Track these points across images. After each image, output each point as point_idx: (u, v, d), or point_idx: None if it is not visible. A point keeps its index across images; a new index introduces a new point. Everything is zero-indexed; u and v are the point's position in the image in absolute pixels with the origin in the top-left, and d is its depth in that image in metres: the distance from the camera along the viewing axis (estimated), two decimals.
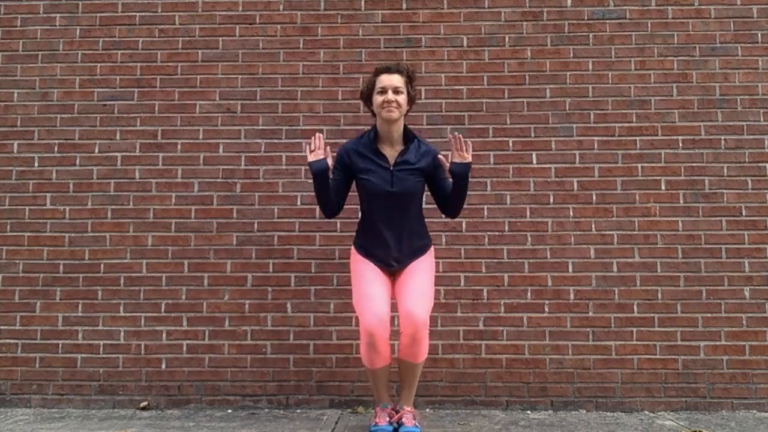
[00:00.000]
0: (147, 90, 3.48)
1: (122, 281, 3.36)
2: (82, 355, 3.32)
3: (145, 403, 3.26)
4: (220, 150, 3.44)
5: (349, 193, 2.84)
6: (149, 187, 3.42)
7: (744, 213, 3.36)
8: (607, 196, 3.38)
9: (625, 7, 3.49)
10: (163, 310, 3.34)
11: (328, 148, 2.73)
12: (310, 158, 2.70)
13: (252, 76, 3.48)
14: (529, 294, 3.33)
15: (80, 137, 3.46)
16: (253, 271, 3.36)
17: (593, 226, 3.37)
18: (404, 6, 3.52)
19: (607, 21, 3.48)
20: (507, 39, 3.49)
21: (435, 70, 3.47)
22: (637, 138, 3.41)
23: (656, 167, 3.39)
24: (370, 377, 2.74)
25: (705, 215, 3.36)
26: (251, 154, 3.44)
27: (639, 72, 3.45)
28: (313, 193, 2.93)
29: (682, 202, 3.37)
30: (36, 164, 3.44)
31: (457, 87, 3.45)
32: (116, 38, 3.51)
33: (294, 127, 3.45)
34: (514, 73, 3.47)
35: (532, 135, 3.43)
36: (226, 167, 3.43)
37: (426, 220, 2.85)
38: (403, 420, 2.67)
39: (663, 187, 3.38)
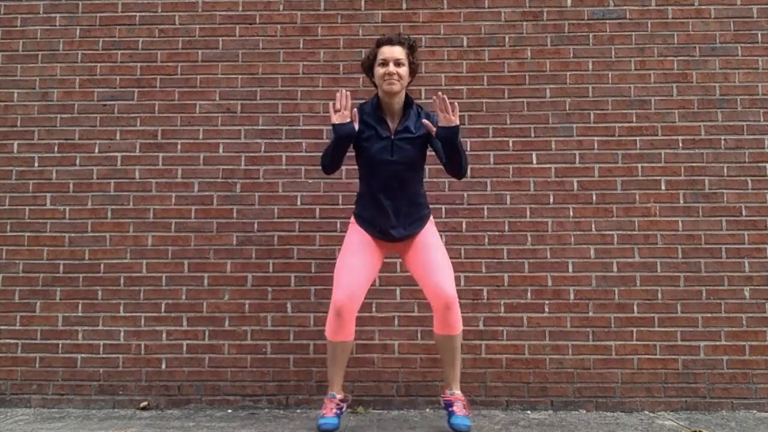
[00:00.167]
0: (147, 90, 3.48)
1: (122, 281, 3.36)
2: (82, 355, 3.32)
3: (145, 403, 3.26)
4: (220, 150, 3.44)
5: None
6: (149, 187, 3.42)
7: (744, 213, 3.36)
8: (607, 196, 3.38)
9: (625, 7, 3.49)
10: (163, 310, 3.34)
11: (354, 110, 2.66)
12: (335, 119, 2.62)
13: (252, 76, 3.48)
14: (529, 294, 3.33)
15: (80, 137, 3.46)
16: (253, 271, 3.36)
17: (593, 226, 3.37)
18: (404, 6, 3.52)
19: (607, 21, 3.48)
20: (507, 39, 3.49)
21: (435, 70, 3.47)
22: (637, 138, 3.41)
23: (656, 167, 3.39)
24: (329, 353, 2.74)
25: (705, 215, 3.36)
26: (251, 154, 3.44)
27: (639, 72, 3.45)
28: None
29: (682, 202, 3.37)
30: (36, 164, 3.44)
31: (457, 87, 3.45)
32: (116, 38, 3.51)
33: (294, 127, 3.45)
34: (514, 73, 3.47)
35: (532, 135, 3.43)
36: (226, 167, 3.43)
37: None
38: (453, 408, 2.67)
39: (663, 187, 3.38)
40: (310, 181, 3.41)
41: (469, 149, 3.41)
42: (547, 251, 3.36)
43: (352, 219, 2.83)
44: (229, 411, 3.23)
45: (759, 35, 3.45)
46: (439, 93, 2.58)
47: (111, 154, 3.45)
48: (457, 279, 3.32)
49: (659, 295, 3.31)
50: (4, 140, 3.46)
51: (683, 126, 3.41)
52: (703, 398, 3.25)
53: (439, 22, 3.50)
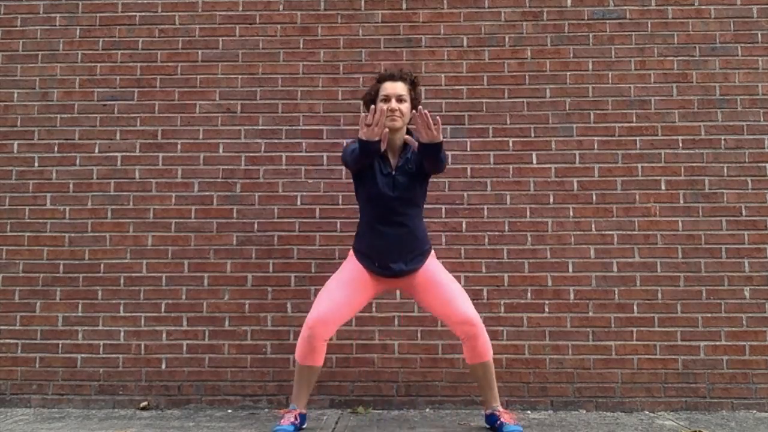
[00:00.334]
0: (147, 90, 3.48)
1: (122, 281, 3.36)
2: (82, 355, 3.32)
3: (145, 403, 3.26)
4: (220, 150, 3.44)
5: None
6: (149, 187, 3.42)
7: (744, 213, 3.36)
8: (607, 196, 3.38)
9: (625, 7, 3.49)
10: (163, 310, 3.34)
11: (386, 130, 2.58)
12: (365, 134, 2.51)
13: (252, 76, 3.48)
14: (529, 294, 3.33)
15: (80, 137, 3.46)
16: (253, 271, 3.36)
17: (593, 226, 3.37)
18: (404, 6, 3.52)
19: (607, 21, 3.48)
20: (507, 39, 3.49)
21: (435, 70, 3.47)
22: (637, 138, 3.41)
23: (656, 167, 3.39)
24: (296, 374, 2.73)
25: (705, 215, 3.36)
26: (251, 154, 3.44)
27: (639, 72, 3.45)
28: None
29: (682, 202, 3.37)
30: (36, 164, 3.44)
31: (457, 87, 3.45)
32: (116, 38, 3.51)
33: (294, 127, 3.45)
34: (514, 73, 3.47)
35: (532, 135, 3.43)
36: (226, 167, 3.43)
37: (426, 220, 2.85)
38: (503, 419, 2.69)
39: (663, 187, 3.38)
40: (310, 181, 3.41)
41: (469, 149, 3.41)
42: (547, 251, 3.35)
43: (351, 252, 2.82)
44: (229, 411, 3.23)
45: (759, 35, 3.45)
46: (420, 108, 2.48)
47: (111, 154, 3.45)
48: (458, 279, 3.31)
49: (659, 295, 3.31)
50: (4, 140, 3.46)
51: (683, 126, 3.41)
52: (703, 398, 3.25)
53: (439, 22, 3.50)
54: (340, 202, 3.38)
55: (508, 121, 3.44)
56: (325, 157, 3.41)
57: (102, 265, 3.37)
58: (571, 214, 3.38)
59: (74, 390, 3.29)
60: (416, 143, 2.63)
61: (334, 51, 3.49)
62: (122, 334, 3.33)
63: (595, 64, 3.46)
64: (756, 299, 3.30)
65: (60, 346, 3.32)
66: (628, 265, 3.34)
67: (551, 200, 3.39)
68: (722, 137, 3.40)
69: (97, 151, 3.45)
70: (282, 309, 3.33)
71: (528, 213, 3.38)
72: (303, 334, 2.65)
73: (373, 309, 3.31)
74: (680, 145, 3.40)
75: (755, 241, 3.34)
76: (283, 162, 3.43)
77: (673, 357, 3.27)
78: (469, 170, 3.40)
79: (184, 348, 3.32)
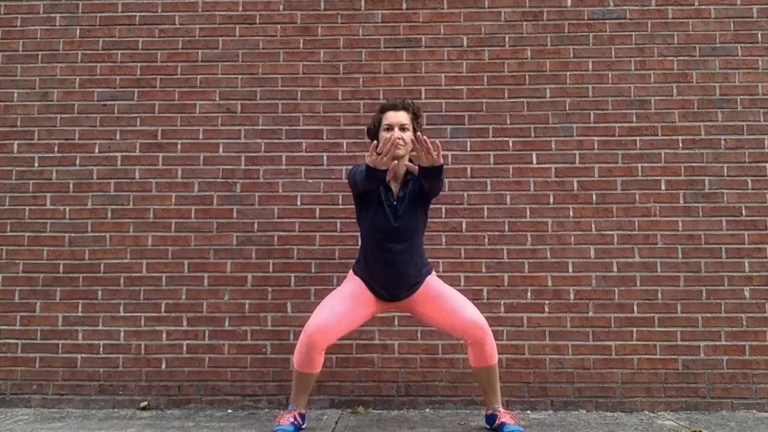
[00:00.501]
0: (147, 90, 3.48)
1: (122, 281, 3.36)
2: (82, 355, 3.32)
3: (145, 403, 3.26)
4: (220, 150, 3.44)
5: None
6: (149, 187, 3.42)
7: (744, 213, 3.36)
8: (607, 196, 3.38)
9: (625, 7, 3.49)
10: (163, 310, 3.34)
11: (395, 162, 2.61)
12: (372, 162, 2.48)
13: (252, 76, 3.48)
14: (529, 294, 3.33)
15: (80, 137, 3.46)
16: (253, 271, 3.36)
17: (593, 226, 3.37)
18: (404, 6, 3.52)
19: (607, 21, 3.48)
20: (507, 39, 3.49)
21: (435, 70, 3.47)
22: (637, 138, 3.41)
23: (656, 167, 3.39)
24: (294, 379, 2.74)
25: (705, 215, 3.36)
26: (251, 154, 3.44)
27: (639, 72, 3.45)
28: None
29: (682, 202, 3.37)
30: (36, 164, 3.44)
31: (457, 87, 3.45)
32: (116, 38, 3.51)
33: (294, 127, 3.45)
34: (514, 73, 3.47)
35: (532, 135, 3.43)
36: (226, 167, 3.43)
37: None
38: (503, 420, 2.69)
39: (663, 187, 3.38)
40: (310, 181, 3.41)
41: (469, 149, 3.41)
42: (547, 251, 3.35)
43: (351, 272, 2.83)
44: (229, 411, 3.23)
45: (759, 35, 3.45)
46: (419, 134, 2.48)
47: (111, 154, 3.45)
48: (457, 279, 3.32)
49: (659, 295, 3.31)
50: (4, 140, 3.46)
51: (683, 126, 3.41)
52: (703, 398, 3.25)
53: (439, 22, 3.50)
54: (340, 202, 3.38)
55: (508, 121, 3.44)
56: (325, 157, 3.41)
57: (102, 265, 3.37)
58: (571, 214, 3.38)
59: (74, 390, 3.29)
60: (417, 167, 2.64)
61: (334, 51, 3.49)
62: (122, 334, 3.33)
63: (595, 64, 3.46)
64: (756, 299, 3.30)
65: (60, 346, 3.32)
66: (628, 265, 3.34)
67: (551, 200, 3.39)
68: (722, 137, 3.40)
69: (97, 151, 3.45)
70: (282, 309, 3.33)
71: (528, 213, 3.38)
72: (301, 340, 2.64)
73: None
74: (680, 145, 3.40)
75: (755, 241, 3.33)
76: (283, 162, 3.43)
77: (673, 357, 3.27)
78: (469, 170, 3.40)
79: (184, 348, 3.32)
